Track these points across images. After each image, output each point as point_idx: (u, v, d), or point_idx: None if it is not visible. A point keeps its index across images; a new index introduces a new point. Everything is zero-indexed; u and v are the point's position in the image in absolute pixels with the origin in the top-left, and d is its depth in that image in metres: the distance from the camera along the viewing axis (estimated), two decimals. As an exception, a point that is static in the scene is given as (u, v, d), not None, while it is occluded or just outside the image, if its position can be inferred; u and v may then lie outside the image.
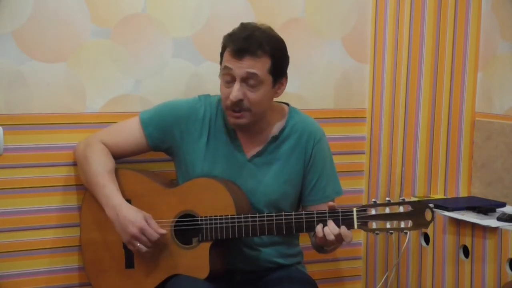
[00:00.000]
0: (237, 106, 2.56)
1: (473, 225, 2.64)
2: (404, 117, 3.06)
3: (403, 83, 3.06)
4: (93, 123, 2.81)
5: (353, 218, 2.43)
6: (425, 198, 2.91)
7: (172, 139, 2.69)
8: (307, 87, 3.12)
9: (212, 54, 2.84)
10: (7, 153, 2.72)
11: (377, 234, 2.45)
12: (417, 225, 2.42)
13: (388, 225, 2.42)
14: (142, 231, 2.54)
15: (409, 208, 2.41)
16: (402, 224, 2.42)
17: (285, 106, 2.74)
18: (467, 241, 2.68)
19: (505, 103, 2.81)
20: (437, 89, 2.95)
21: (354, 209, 2.44)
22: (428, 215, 2.41)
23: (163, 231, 2.56)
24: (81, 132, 2.79)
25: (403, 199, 2.43)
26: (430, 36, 2.95)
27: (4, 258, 2.75)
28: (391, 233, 2.45)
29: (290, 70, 2.69)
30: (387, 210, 2.42)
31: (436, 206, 2.74)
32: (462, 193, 2.92)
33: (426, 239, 2.86)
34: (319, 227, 2.45)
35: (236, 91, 2.54)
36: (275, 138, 2.67)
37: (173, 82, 2.92)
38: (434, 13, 2.93)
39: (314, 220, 2.46)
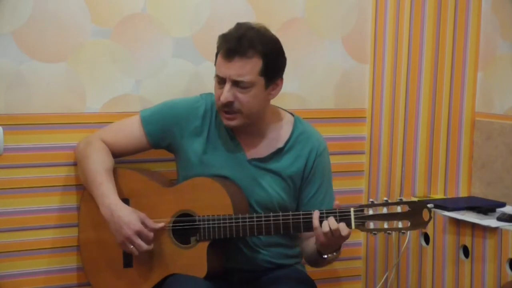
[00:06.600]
0: (228, 107, 2.55)
1: (473, 225, 2.64)
2: (404, 117, 3.06)
3: (403, 83, 3.06)
4: (93, 123, 2.81)
5: (350, 218, 2.42)
6: (425, 198, 2.91)
7: (172, 136, 2.69)
8: (307, 87, 3.11)
9: (212, 54, 2.83)
10: (7, 153, 2.72)
11: (374, 234, 2.45)
12: (415, 225, 2.41)
13: (386, 225, 2.42)
14: (138, 233, 2.53)
15: (407, 208, 2.41)
16: (400, 224, 2.42)
17: (290, 116, 2.72)
18: (467, 241, 2.67)
19: (505, 103, 2.81)
20: (437, 89, 2.95)
21: (352, 209, 2.43)
22: (426, 215, 2.41)
23: (160, 225, 2.56)
24: (81, 132, 2.79)
25: (401, 199, 2.42)
26: (430, 36, 2.95)
27: (4, 258, 2.75)
28: (389, 234, 2.45)
29: (290, 70, 2.68)
30: (385, 210, 2.42)
31: (436, 206, 2.73)
32: (462, 193, 2.92)
33: (426, 239, 2.86)
34: (315, 216, 2.43)
35: (225, 92, 2.52)
36: (280, 150, 2.66)
37: (173, 82, 2.92)
38: (434, 13, 2.93)
39: (311, 220, 2.45)
